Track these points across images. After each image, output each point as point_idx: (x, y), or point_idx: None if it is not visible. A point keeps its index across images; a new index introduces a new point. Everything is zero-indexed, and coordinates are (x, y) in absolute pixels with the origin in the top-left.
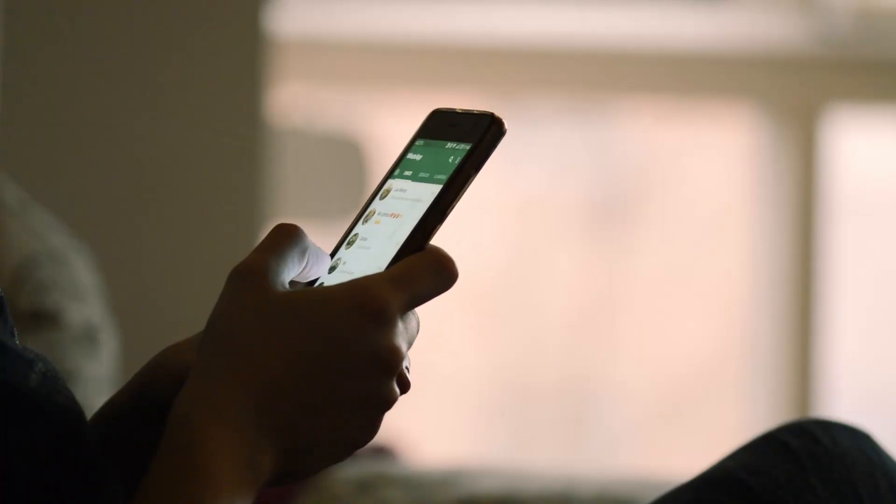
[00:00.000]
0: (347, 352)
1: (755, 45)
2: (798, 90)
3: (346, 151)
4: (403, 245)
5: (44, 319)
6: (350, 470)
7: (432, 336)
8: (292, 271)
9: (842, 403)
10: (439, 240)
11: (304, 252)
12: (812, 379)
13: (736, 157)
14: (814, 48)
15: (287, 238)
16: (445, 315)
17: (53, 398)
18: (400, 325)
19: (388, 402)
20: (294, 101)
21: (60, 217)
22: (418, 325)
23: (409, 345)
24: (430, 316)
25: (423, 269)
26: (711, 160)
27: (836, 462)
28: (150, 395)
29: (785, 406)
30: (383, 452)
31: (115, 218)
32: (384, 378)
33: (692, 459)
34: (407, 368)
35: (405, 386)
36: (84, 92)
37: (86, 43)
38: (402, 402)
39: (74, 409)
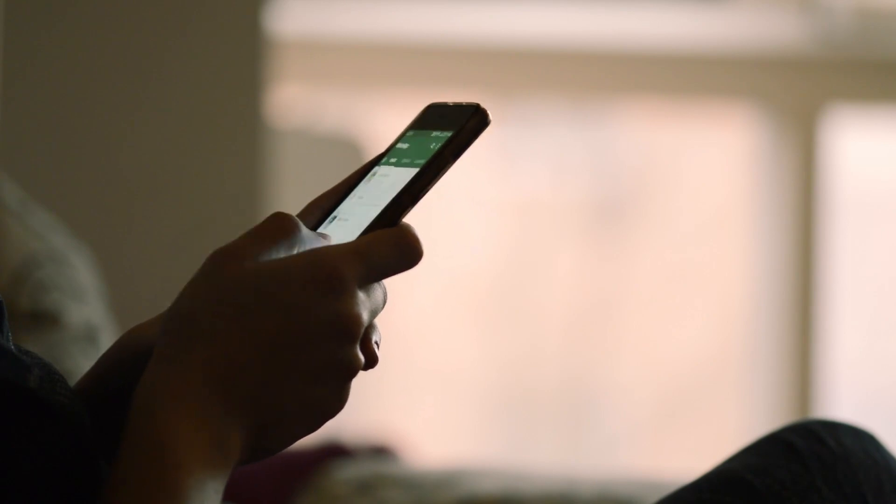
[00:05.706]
0: (304, 321)
1: (755, 45)
2: (798, 90)
3: (345, 151)
4: (373, 222)
5: (44, 319)
6: (350, 470)
7: (433, 336)
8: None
9: (841, 404)
10: (439, 235)
11: (292, 246)
12: (812, 379)
13: (736, 157)
14: (814, 48)
15: (279, 232)
16: (446, 315)
17: (54, 397)
18: (360, 294)
19: (352, 370)
20: (293, 101)
21: (60, 217)
22: (385, 298)
23: (373, 315)
24: (431, 316)
25: (385, 243)
26: (711, 160)
27: (840, 463)
28: (116, 379)
29: (785, 406)
30: (383, 452)
31: (115, 218)
32: (344, 345)
33: (692, 459)
34: (377, 343)
35: (372, 359)
36: (84, 92)
37: (85, 43)
38: (402, 402)
39: (75, 408)
